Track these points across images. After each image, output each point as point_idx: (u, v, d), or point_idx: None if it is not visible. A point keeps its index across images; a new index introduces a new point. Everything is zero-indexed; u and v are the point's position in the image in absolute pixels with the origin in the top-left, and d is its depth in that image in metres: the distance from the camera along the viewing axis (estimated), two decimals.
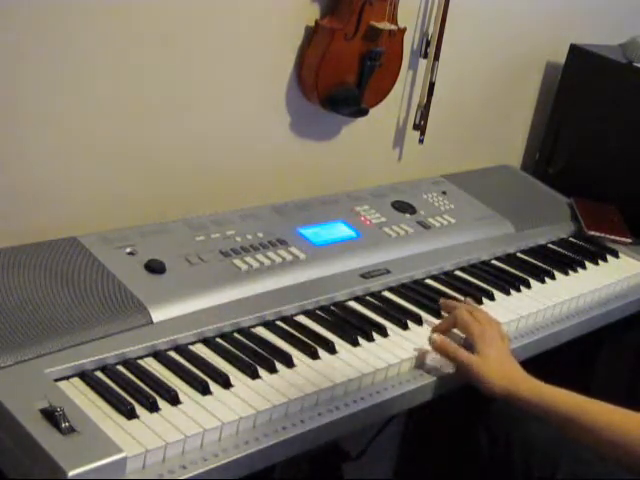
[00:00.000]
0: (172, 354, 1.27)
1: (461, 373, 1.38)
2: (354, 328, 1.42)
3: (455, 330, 1.46)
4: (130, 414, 1.10)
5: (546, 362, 1.44)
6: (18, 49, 1.36)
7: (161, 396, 1.15)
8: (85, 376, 1.17)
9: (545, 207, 2.10)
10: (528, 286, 1.70)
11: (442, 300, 1.54)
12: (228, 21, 1.61)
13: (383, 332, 1.42)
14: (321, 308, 1.47)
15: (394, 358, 1.36)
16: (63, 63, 1.41)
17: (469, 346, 1.40)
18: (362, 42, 1.73)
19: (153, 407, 1.12)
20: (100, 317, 1.26)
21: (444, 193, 1.97)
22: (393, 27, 1.76)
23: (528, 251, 1.88)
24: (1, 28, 1.33)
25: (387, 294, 1.57)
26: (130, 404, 1.11)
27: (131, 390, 1.15)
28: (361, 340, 1.39)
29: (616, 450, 1.27)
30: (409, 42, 1.92)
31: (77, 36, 1.42)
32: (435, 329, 1.47)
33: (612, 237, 2.00)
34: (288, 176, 1.85)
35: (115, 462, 1.00)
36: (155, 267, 1.40)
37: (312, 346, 1.33)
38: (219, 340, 1.32)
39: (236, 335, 1.34)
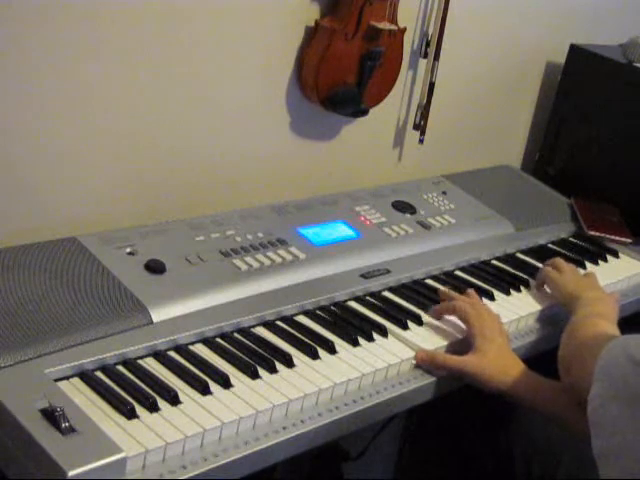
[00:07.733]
0: (172, 354, 1.27)
1: (458, 376, 1.38)
2: (354, 328, 1.41)
3: (451, 330, 1.46)
4: (130, 414, 1.10)
5: (546, 362, 1.43)
6: (16, 46, 1.36)
7: (161, 396, 1.15)
8: (85, 376, 1.17)
9: (545, 207, 2.09)
10: (528, 286, 1.70)
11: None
12: (228, 21, 1.61)
13: (383, 332, 1.42)
14: (321, 308, 1.47)
15: (394, 358, 1.36)
16: (64, 64, 1.41)
17: (467, 341, 1.41)
18: (362, 42, 1.73)
19: (153, 407, 1.12)
20: (100, 317, 1.26)
21: (444, 193, 1.97)
22: (393, 27, 1.76)
23: (528, 251, 1.88)
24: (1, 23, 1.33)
25: (387, 294, 1.57)
26: (130, 404, 1.11)
27: (131, 390, 1.15)
28: (361, 340, 1.39)
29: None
30: (409, 42, 1.92)
31: (77, 35, 1.41)
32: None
33: (612, 237, 2.00)
34: (288, 176, 1.85)
35: (115, 462, 1.00)
36: (155, 267, 1.40)
37: (312, 346, 1.33)
38: (219, 340, 1.32)
39: (236, 335, 1.34)
